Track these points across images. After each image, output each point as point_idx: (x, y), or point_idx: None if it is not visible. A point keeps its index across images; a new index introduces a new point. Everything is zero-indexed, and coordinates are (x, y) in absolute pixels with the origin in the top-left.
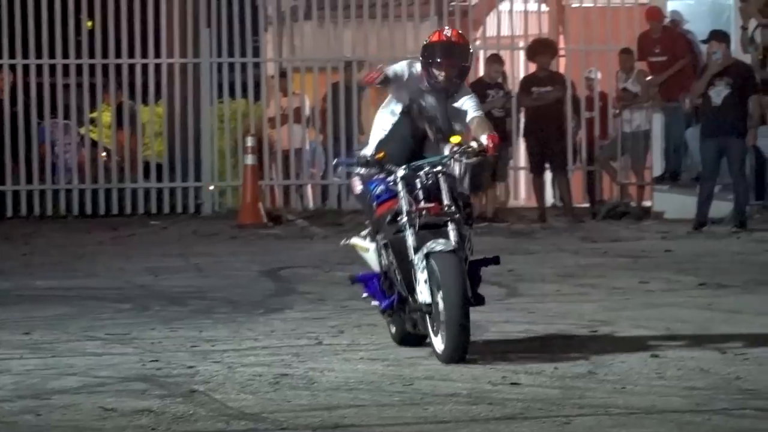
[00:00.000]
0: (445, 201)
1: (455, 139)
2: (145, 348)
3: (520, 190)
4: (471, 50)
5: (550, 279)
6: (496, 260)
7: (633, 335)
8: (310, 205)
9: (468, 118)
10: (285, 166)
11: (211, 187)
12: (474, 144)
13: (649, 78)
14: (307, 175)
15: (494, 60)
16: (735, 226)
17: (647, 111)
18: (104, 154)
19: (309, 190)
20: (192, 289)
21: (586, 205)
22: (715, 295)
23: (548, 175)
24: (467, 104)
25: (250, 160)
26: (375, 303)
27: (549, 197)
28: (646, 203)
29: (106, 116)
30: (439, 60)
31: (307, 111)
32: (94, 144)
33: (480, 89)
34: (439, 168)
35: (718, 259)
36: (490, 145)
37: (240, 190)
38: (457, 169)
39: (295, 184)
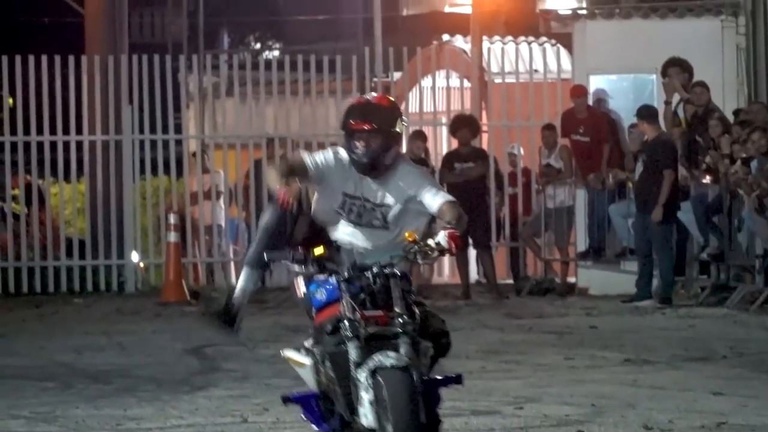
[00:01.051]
0: (397, 309)
1: (410, 235)
2: (69, 426)
3: (444, 267)
4: (400, 116)
5: (475, 356)
6: (458, 379)
7: (559, 412)
8: (234, 282)
9: (435, 206)
10: (208, 243)
11: (142, 264)
12: (432, 243)
13: (591, 176)
14: (230, 252)
15: (417, 136)
16: (659, 301)
17: (570, 187)
18: None
19: (232, 267)
20: (116, 367)
21: (510, 281)
22: (640, 371)
23: (472, 252)
24: (422, 185)
25: (172, 237)
26: (314, 429)
27: (473, 273)
28: (571, 279)
29: None
30: (356, 126)
31: (221, 187)
32: (16, 220)
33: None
34: (389, 270)
35: (643, 334)
36: (453, 248)
37: (163, 267)
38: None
39: (219, 261)
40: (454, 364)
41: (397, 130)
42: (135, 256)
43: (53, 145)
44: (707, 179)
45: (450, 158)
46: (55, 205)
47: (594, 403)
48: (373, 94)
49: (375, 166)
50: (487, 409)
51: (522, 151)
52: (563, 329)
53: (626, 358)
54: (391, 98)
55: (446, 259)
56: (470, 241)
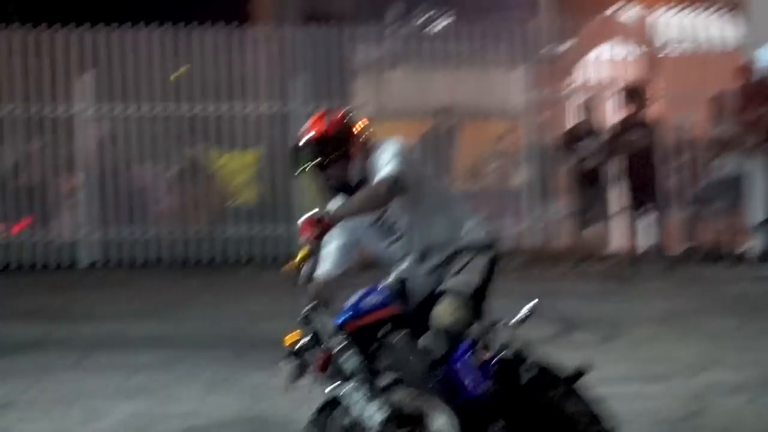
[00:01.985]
0: (324, 339)
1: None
2: (244, 394)
3: (614, 234)
4: (341, 130)
5: (646, 323)
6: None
7: (731, 380)
8: None
9: None
10: None
11: None
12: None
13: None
14: None
15: (586, 108)
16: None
17: (741, 156)
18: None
19: None
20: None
21: (682, 248)
22: None
23: (642, 219)
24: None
25: None
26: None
27: (644, 241)
28: (743, 247)
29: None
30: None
31: None
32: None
33: (572, 139)
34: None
35: None
36: (304, 236)
37: None
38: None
39: None
40: (628, 331)
41: (342, 149)
42: None
43: (221, 116)
44: None
45: (618, 129)
46: (223, 176)
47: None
48: (313, 120)
49: (351, 187)
50: (658, 376)
51: (691, 121)
52: (736, 296)
53: None
54: (322, 118)
55: (617, 227)
56: (641, 209)
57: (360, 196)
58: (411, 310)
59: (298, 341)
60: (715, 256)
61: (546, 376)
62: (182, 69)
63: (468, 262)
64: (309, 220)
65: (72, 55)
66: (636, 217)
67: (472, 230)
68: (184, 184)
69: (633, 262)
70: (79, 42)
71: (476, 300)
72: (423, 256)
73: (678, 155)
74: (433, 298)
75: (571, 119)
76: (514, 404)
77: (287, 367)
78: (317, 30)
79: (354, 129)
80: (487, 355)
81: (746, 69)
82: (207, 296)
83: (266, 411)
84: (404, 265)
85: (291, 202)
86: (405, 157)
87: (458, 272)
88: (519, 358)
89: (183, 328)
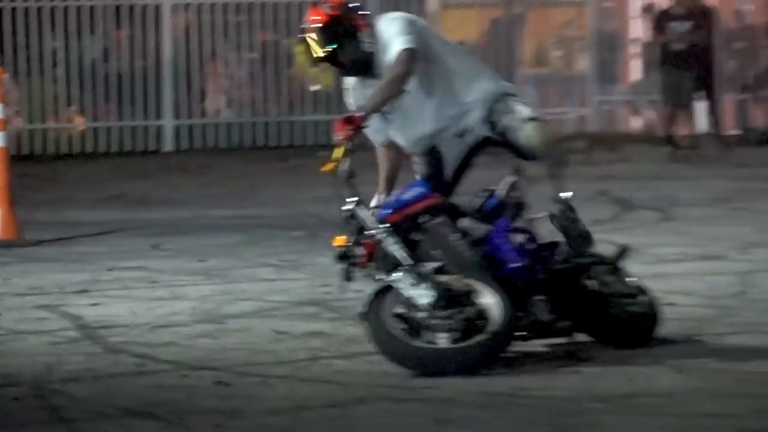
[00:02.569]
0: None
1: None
2: (316, 274)
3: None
4: (343, 14)
5: (705, 203)
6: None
7: None
8: None
9: None
10: None
11: None
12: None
13: None
14: None
15: None
16: None
17: None
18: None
19: None
20: None
21: (737, 132)
22: None
23: (699, 104)
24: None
25: None
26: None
27: (702, 125)
28: None
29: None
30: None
31: None
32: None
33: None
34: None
35: None
36: (339, 136)
37: None
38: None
39: None
40: (683, 212)
41: (348, 29)
42: None
43: (301, 6)
44: None
45: (663, 17)
46: (301, 62)
47: None
48: (306, 20)
49: (367, 66)
50: (715, 254)
51: (751, 7)
52: None
53: None
54: (319, 6)
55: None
56: (699, 93)
57: (382, 83)
58: (448, 177)
59: (346, 243)
60: None
61: (588, 254)
62: None
63: (509, 104)
64: (342, 120)
65: None
66: (693, 101)
67: (493, 84)
68: (264, 70)
69: (692, 145)
70: None
71: None
72: (447, 122)
73: (737, 40)
74: (468, 162)
75: (636, 6)
76: (555, 280)
77: (339, 268)
78: None
79: (353, 7)
80: (527, 232)
81: None
82: (285, 178)
83: (332, 293)
84: (429, 137)
85: None
86: (411, 27)
87: (509, 112)
88: (561, 235)
89: (261, 209)
